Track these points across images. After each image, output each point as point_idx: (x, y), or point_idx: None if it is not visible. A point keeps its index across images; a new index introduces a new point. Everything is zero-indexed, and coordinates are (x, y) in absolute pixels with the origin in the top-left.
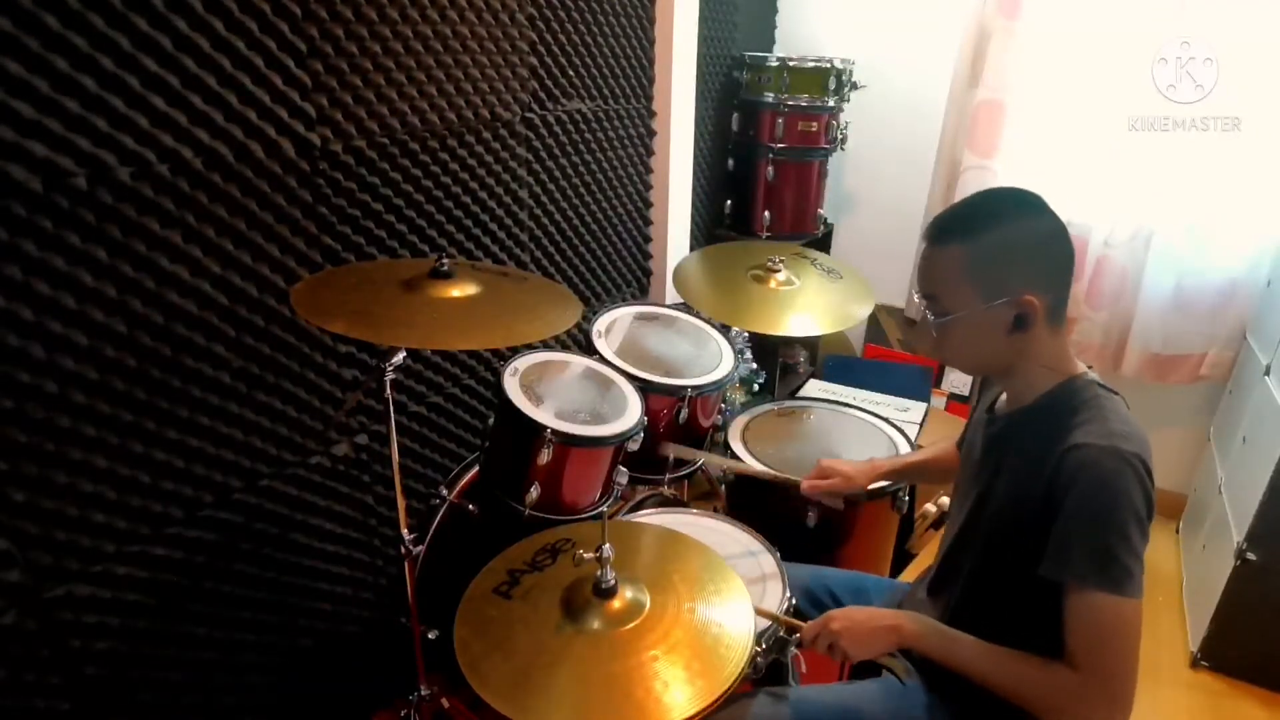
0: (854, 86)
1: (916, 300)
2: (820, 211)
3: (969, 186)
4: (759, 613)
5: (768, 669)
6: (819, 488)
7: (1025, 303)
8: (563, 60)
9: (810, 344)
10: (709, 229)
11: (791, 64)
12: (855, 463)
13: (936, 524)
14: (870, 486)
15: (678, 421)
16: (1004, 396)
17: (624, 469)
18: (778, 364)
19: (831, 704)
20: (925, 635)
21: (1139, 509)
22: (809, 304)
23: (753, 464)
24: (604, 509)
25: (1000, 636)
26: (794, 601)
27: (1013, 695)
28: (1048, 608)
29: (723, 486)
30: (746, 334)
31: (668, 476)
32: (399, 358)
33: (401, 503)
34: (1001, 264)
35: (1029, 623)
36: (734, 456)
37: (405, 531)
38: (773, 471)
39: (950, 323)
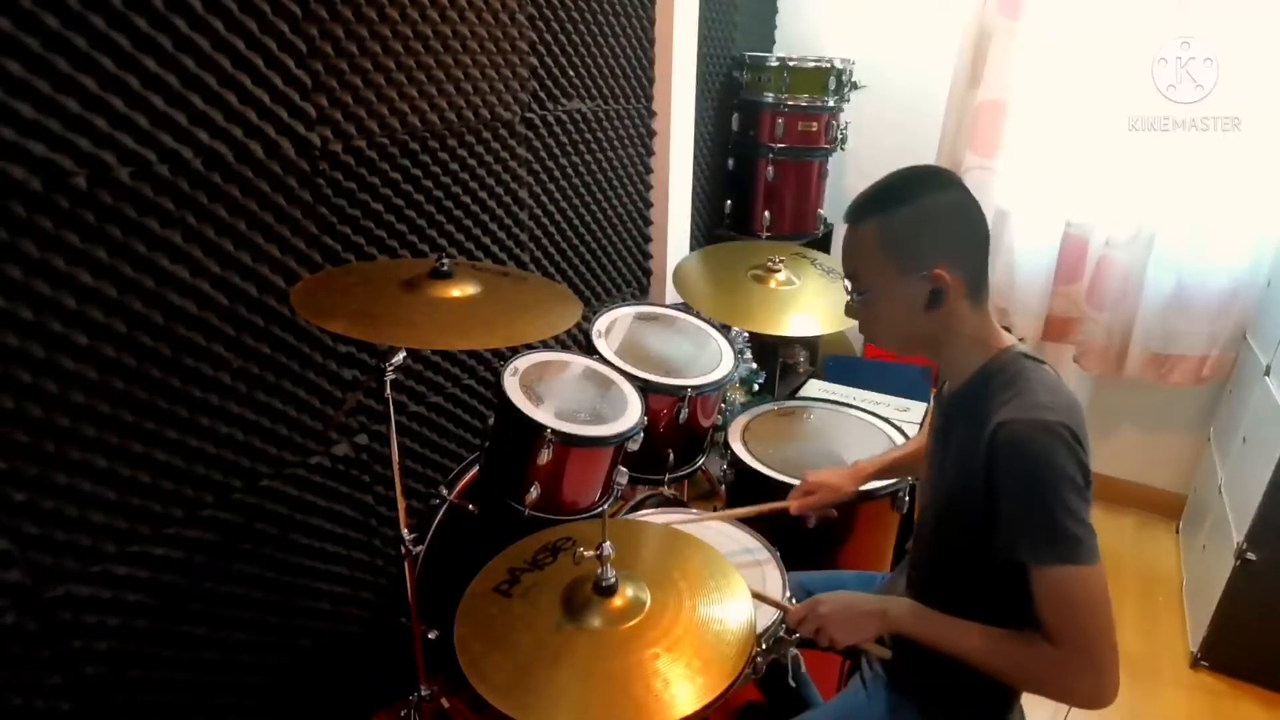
0: (854, 86)
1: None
2: (820, 211)
3: (971, 187)
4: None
5: (768, 668)
6: (808, 505)
7: (936, 277)
8: (563, 60)
9: (810, 344)
10: (709, 229)
11: (791, 64)
12: (839, 469)
13: None
14: (860, 489)
15: (678, 421)
16: (946, 380)
17: (624, 469)
18: (778, 364)
19: None
20: (908, 618)
21: (1072, 475)
22: (809, 304)
23: (739, 510)
24: (604, 508)
25: (968, 615)
26: (793, 601)
27: (998, 673)
28: (1007, 583)
29: (722, 486)
30: (746, 334)
31: (668, 476)
32: (399, 358)
33: (401, 503)
34: (913, 238)
35: (992, 599)
36: (734, 455)
37: (405, 531)
38: (760, 507)
39: (870, 300)
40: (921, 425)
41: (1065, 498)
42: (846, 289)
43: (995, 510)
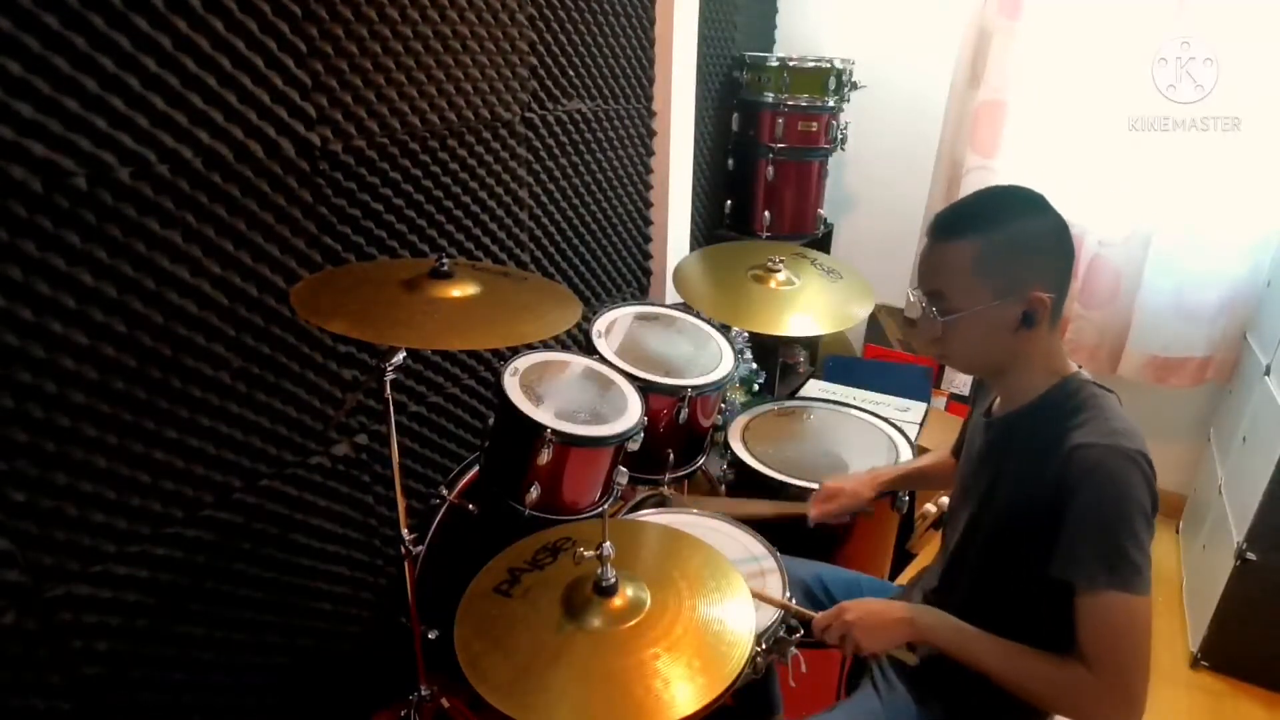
0: (854, 86)
1: (913, 297)
2: (820, 211)
3: (971, 186)
4: (768, 600)
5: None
6: (827, 512)
7: (1035, 299)
8: (563, 60)
9: (810, 344)
10: (709, 229)
11: (791, 64)
12: (856, 475)
13: (936, 524)
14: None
15: (678, 421)
16: (999, 400)
17: (624, 469)
18: (778, 364)
19: None
20: (938, 629)
21: (1145, 506)
22: (809, 304)
23: (759, 507)
24: (604, 508)
25: (1007, 635)
26: (791, 598)
27: (1025, 691)
28: (1054, 606)
29: (722, 486)
30: (746, 334)
31: (668, 476)
32: (399, 358)
33: (401, 503)
34: (1012, 261)
35: (1035, 621)
36: (734, 455)
37: (405, 531)
38: (779, 507)
39: (958, 320)
40: (922, 426)
41: (1135, 526)
42: (923, 307)
43: (1058, 530)
